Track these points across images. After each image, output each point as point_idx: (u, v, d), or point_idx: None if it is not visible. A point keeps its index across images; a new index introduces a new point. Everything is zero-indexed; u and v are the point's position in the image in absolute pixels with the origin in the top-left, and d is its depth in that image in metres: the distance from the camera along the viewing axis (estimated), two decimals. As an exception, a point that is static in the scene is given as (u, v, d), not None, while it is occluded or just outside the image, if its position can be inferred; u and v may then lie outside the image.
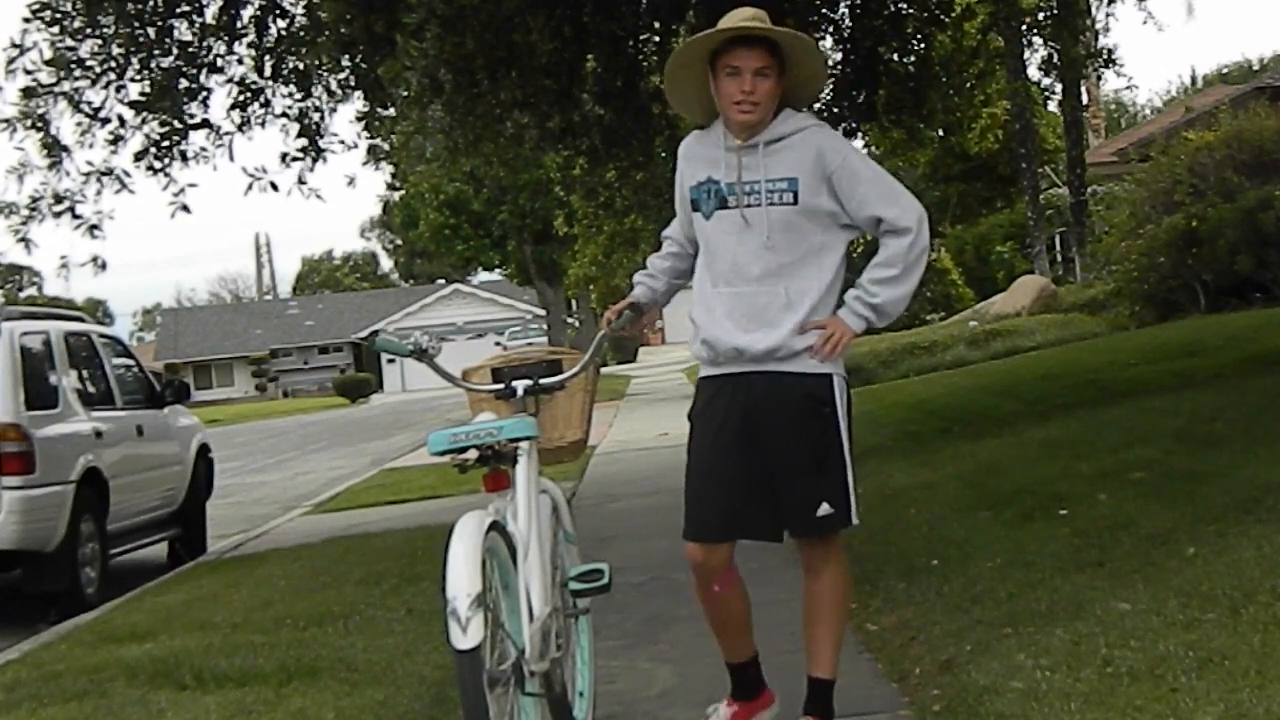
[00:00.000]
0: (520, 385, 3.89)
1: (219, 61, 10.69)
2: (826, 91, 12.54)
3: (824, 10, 11.82)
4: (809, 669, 3.87)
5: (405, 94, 10.53)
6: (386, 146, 12.96)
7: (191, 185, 10.60)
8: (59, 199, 10.16)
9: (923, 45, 12.17)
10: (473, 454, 3.62)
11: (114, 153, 10.35)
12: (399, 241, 73.31)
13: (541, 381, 3.92)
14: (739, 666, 3.98)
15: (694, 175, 3.82)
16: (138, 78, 10.28)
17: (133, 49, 10.12)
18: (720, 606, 3.88)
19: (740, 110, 3.66)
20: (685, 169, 3.87)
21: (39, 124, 9.96)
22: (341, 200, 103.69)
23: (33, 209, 10.16)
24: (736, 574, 3.89)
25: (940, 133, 22.46)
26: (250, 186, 10.83)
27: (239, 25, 10.66)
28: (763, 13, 3.73)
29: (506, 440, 3.62)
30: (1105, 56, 12.81)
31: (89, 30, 9.94)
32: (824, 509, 3.71)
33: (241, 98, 10.87)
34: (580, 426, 4.10)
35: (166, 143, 10.47)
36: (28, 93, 9.88)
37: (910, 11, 11.99)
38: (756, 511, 3.76)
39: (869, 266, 3.76)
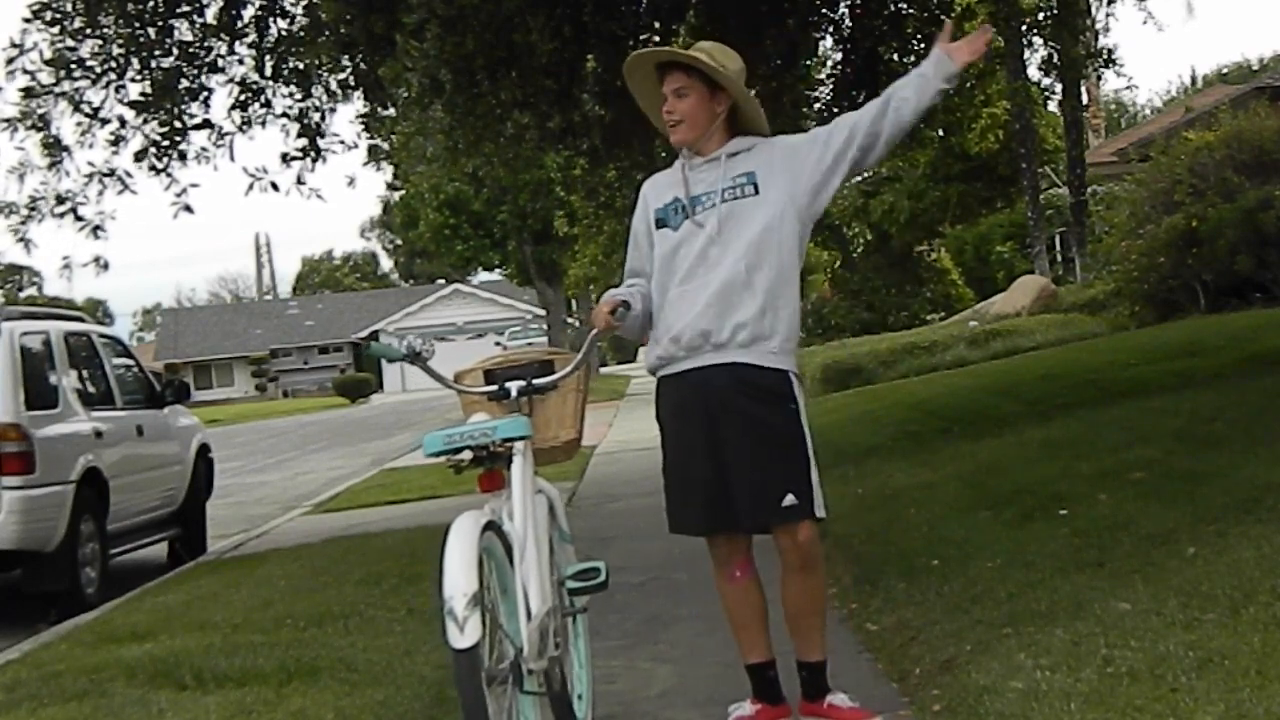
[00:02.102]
0: (514, 386, 3.92)
1: (219, 61, 10.71)
2: (826, 91, 12.58)
3: (824, 10, 11.82)
4: (805, 655, 3.97)
5: (405, 94, 10.54)
6: (387, 146, 12.99)
7: (193, 185, 10.65)
8: (60, 199, 10.18)
9: (923, 45, 12.16)
10: (467, 455, 3.65)
11: (115, 153, 10.39)
12: (399, 241, 73.27)
13: (535, 382, 3.94)
14: (757, 667, 4.03)
15: (660, 199, 4.05)
16: (138, 78, 10.29)
17: (133, 49, 10.13)
18: (738, 596, 4.00)
19: (671, 132, 3.98)
20: (652, 198, 4.08)
21: (39, 124, 9.97)
22: (341, 200, 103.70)
23: (32, 209, 10.17)
24: (754, 567, 4.01)
25: (940, 133, 22.42)
26: (251, 186, 10.87)
27: (239, 25, 10.67)
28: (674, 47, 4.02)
29: (501, 440, 3.65)
30: (1105, 56, 12.82)
31: (89, 30, 9.95)
32: (789, 499, 3.82)
33: (242, 98, 10.88)
34: (574, 426, 4.12)
35: (167, 143, 10.48)
36: (28, 93, 9.89)
37: (910, 11, 11.99)
38: (731, 505, 3.87)
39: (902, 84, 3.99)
